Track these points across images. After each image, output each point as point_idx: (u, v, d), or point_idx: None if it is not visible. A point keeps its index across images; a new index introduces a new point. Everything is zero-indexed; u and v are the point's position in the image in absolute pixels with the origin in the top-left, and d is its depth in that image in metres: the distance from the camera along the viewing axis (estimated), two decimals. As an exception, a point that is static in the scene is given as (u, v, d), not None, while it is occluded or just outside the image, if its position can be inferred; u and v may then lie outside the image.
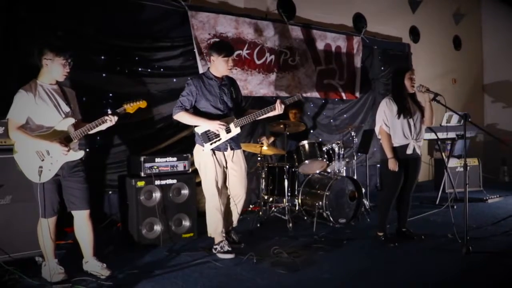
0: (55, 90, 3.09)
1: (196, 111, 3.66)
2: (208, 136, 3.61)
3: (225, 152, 3.71)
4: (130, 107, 3.22)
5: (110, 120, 3.11)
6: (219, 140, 3.62)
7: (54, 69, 3.02)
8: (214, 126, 3.55)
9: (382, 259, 3.56)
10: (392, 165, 3.80)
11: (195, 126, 3.67)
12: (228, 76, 3.82)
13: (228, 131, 3.63)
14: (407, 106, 3.83)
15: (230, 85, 3.79)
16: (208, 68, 3.78)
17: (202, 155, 3.67)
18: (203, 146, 3.63)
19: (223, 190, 3.75)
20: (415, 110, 3.88)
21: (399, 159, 3.81)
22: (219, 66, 3.64)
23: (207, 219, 3.75)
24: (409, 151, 3.85)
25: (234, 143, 3.75)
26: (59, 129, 3.03)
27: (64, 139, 3.01)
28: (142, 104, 3.26)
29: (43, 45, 3.02)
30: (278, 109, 3.67)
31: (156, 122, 4.80)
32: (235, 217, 3.92)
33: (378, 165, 6.36)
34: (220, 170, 3.68)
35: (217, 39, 5.09)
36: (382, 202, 4.05)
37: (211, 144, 3.61)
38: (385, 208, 3.96)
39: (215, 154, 3.65)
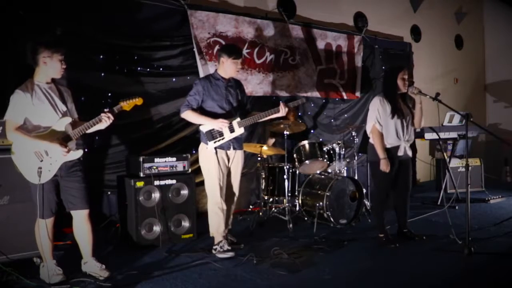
0: (52, 89, 3.07)
1: (202, 111, 3.71)
2: (212, 135, 3.64)
3: (228, 151, 3.74)
4: (126, 105, 3.20)
5: (108, 117, 3.08)
6: (222, 139, 3.65)
7: (52, 67, 2.99)
8: (217, 124, 3.60)
9: (383, 260, 3.54)
10: (384, 166, 3.73)
11: (200, 125, 3.71)
12: (234, 78, 3.88)
13: (232, 130, 3.67)
14: (399, 106, 3.78)
15: (236, 86, 3.86)
16: (216, 69, 3.85)
17: (206, 153, 3.69)
18: (207, 144, 3.65)
19: (224, 189, 3.74)
20: (406, 111, 3.84)
21: (391, 160, 3.75)
22: (227, 68, 3.71)
23: (209, 219, 3.75)
24: (400, 152, 3.81)
25: (237, 143, 3.79)
26: (56, 129, 3.00)
27: (62, 138, 2.98)
28: (138, 101, 3.25)
29: (38, 44, 2.99)
30: (282, 111, 3.74)
31: (155, 122, 4.78)
32: (230, 218, 3.93)
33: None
34: (223, 169, 3.70)
35: (217, 38, 5.08)
36: (374, 204, 4.00)
37: (214, 142, 3.64)
38: (378, 209, 3.93)
39: (217, 153, 3.66)
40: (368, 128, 3.84)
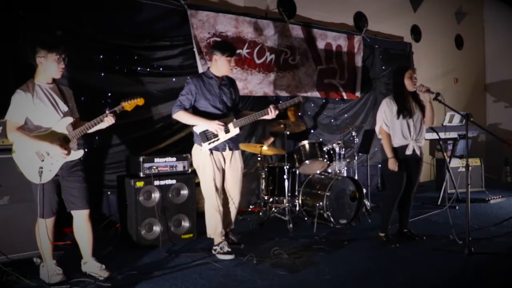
0: (53, 89, 3.07)
1: (195, 111, 3.64)
2: (207, 136, 3.58)
3: (223, 153, 3.69)
4: (128, 105, 3.20)
5: (109, 120, 3.08)
6: (217, 140, 3.60)
7: (48, 66, 2.98)
8: (213, 126, 3.53)
9: (383, 260, 3.54)
10: (392, 165, 3.77)
11: (194, 125, 3.64)
12: (228, 76, 3.80)
13: (227, 131, 3.61)
14: (407, 106, 3.80)
15: (230, 85, 3.78)
16: (208, 67, 3.76)
17: (200, 155, 3.65)
18: (201, 145, 3.60)
19: (221, 190, 3.72)
20: (416, 110, 3.86)
21: (399, 159, 3.79)
22: (221, 66, 3.63)
23: (206, 220, 3.73)
24: (408, 151, 3.83)
25: (233, 143, 3.73)
26: (57, 129, 3.01)
27: (63, 139, 2.98)
28: (140, 101, 3.24)
29: (35, 44, 2.99)
30: (271, 114, 3.63)
31: (155, 122, 4.78)
32: (232, 218, 3.90)
33: (379, 165, 6.34)
34: (218, 170, 3.65)
35: (217, 38, 5.07)
36: (385, 202, 4.01)
37: (209, 144, 3.59)
38: (388, 208, 3.93)
39: (212, 154, 3.62)
40: (377, 129, 3.93)
